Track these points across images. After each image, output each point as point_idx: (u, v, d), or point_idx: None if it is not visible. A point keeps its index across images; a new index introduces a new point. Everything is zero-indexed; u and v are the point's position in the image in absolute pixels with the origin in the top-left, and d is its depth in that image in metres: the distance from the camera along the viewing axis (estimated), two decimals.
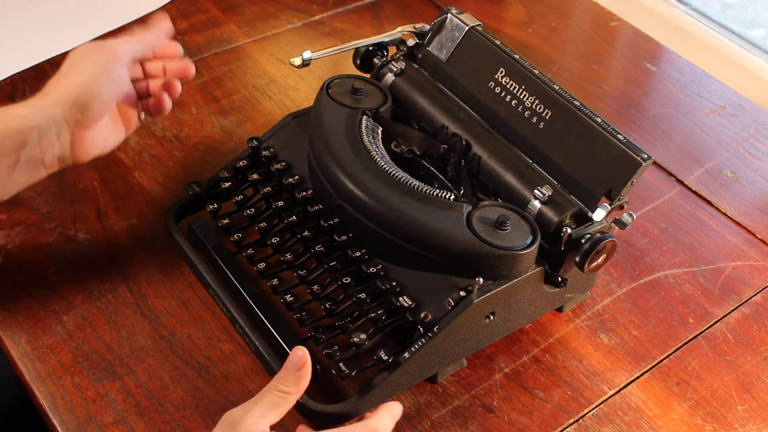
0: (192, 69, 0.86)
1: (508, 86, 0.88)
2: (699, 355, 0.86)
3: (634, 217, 0.81)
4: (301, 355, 0.68)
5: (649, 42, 1.26)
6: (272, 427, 0.65)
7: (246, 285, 0.84)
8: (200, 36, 1.19)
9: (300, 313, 0.79)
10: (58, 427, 0.76)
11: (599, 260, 0.80)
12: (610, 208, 0.80)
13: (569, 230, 0.79)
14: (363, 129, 0.86)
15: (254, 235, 0.86)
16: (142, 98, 0.85)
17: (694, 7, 1.34)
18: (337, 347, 0.76)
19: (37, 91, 1.08)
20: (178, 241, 0.88)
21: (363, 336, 0.76)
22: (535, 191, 0.81)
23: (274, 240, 0.84)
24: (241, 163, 0.91)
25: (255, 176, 0.89)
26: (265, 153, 0.90)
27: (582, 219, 0.81)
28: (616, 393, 0.82)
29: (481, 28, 0.92)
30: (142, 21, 1.20)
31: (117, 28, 1.19)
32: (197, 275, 0.86)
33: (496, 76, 0.89)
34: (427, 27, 0.96)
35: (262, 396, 0.66)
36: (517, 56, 0.89)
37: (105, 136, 0.82)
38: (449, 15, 0.94)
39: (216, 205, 0.89)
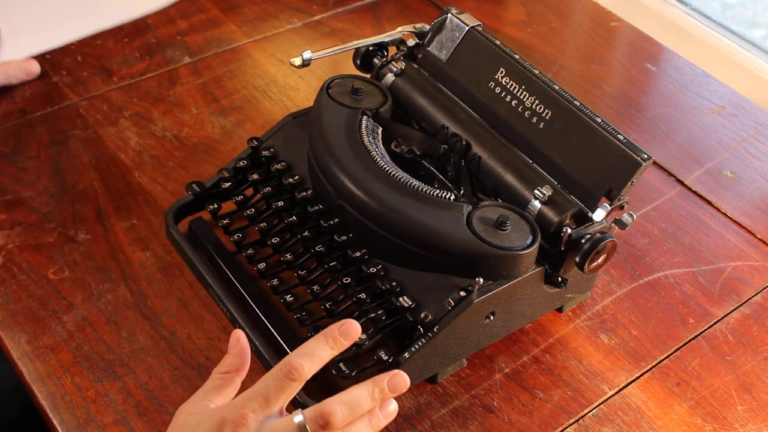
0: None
1: (508, 86, 0.88)
2: (699, 355, 0.86)
3: (634, 217, 0.81)
4: (236, 336, 0.70)
5: (649, 42, 1.26)
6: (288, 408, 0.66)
7: (246, 285, 0.84)
8: (200, 36, 1.19)
9: (300, 313, 0.79)
10: (58, 427, 0.76)
11: (599, 260, 0.80)
12: (610, 208, 0.80)
13: (569, 230, 0.79)
14: (363, 129, 0.86)
15: (254, 235, 0.86)
16: None
17: (694, 7, 1.34)
18: None
19: (36, 91, 1.08)
20: (178, 241, 0.88)
21: (363, 336, 0.76)
22: (535, 191, 0.81)
23: (274, 240, 0.84)
24: (241, 163, 0.91)
25: (255, 176, 0.89)
26: (265, 153, 0.90)
27: (582, 219, 0.81)
28: (616, 393, 0.82)
29: (481, 28, 0.92)
30: (141, 20, 1.20)
31: (116, 26, 1.19)
32: (197, 275, 0.86)
33: (496, 76, 0.89)
34: (427, 27, 0.96)
35: (205, 383, 0.69)
36: (517, 56, 0.89)
37: None
38: (449, 15, 0.94)
39: (216, 205, 0.89)
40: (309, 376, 0.64)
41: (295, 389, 0.64)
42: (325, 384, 0.79)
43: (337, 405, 0.63)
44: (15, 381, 0.83)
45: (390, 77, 0.94)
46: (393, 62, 0.95)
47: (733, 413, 0.81)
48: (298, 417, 0.63)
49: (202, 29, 1.20)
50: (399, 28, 0.97)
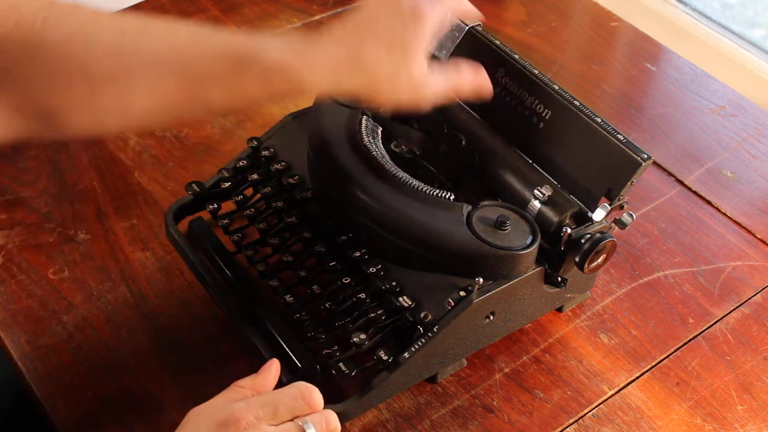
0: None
1: (508, 86, 0.88)
2: (699, 355, 0.86)
3: (634, 217, 0.81)
4: (274, 365, 0.71)
5: (649, 42, 1.26)
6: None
7: (246, 285, 0.84)
8: None
9: (300, 313, 0.79)
10: (58, 427, 0.76)
11: (599, 260, 0.80)
12: (610, 208, 0.80)
13: (569, 230, 0.79)
14: (363, 129, 0.86)
15: (254, 235, 0.86)
16: None
17: (694, 7, 1.34)
18: (337, 347, 0.76)
19: None
20: (177, 241, 0.88)
21: (363, 336, 0.76)
22: (535, 191, 0.81)
23: (274, 240, 0.84)
24: (241, 163, 0.91)
25: (255, 176, 0.89)
26: (264, 153, 0.90)
27: (582, 219, 0.81)
28: (616, 393, 0.82)
29: (481, 28, 0.92)
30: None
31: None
32: (197, 275, 0.86)
33: (496, 76, 0.89)
34: None
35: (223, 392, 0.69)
36: (517, 56, 0.89)
37: None
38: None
39: (216, 205, 0.89)
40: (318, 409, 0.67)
41: (303, 413, 0.66)
42: (325, 384, 0.79)
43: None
44: (5, 374, 0.82)
45: None
46: None
47: (732, 413, 0.81)
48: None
49: None
50: None
